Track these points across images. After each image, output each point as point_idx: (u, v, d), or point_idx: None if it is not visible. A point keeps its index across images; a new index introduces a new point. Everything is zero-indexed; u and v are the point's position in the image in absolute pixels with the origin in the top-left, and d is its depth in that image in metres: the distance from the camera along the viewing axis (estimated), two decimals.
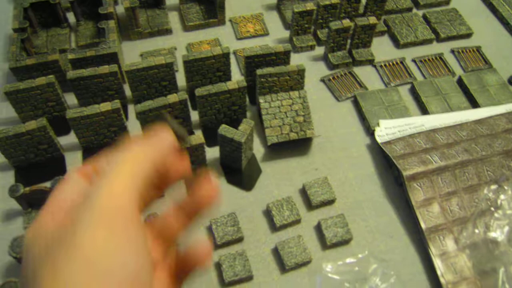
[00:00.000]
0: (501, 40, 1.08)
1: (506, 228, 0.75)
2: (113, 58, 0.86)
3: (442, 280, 0.72)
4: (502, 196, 0.79)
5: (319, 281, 0.66)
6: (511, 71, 1.01)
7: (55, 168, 0.82)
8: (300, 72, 0.84)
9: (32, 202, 0.76)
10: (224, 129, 0.75)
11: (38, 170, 0.81)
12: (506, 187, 0.80)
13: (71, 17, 1.02)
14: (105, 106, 0.77)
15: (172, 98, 0.78)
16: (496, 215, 0.77)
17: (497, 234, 0.75)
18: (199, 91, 0.80)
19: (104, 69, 0.82)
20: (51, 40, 0.98)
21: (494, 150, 0.84)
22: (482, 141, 0.85)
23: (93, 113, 0.77)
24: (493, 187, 0.80)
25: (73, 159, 0.83)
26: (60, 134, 0.84)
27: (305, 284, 0.71)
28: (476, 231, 0.76)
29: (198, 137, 0.74)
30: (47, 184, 0.74)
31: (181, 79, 0.91)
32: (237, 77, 0.88)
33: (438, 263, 0.73)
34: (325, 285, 0.66)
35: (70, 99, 0.87)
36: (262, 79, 0.83)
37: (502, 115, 0.90)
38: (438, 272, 0.72)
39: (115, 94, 0.85)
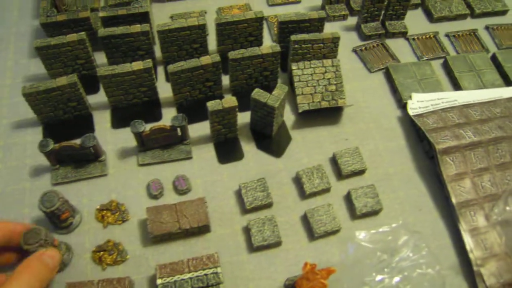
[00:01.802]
0: None
1: None
2: (144, 17, 0.84)
3: (471, 255, 0.71)
4: None
5: (351, 249, 0.65)
6: None
7: (83, 126, 0.81)
8: (335, 40, 0.82)
9: (61, 159, 0.75)
10: (258, 93, 0.73)
11: (66, 127, 0.81)
12: None
13: None
14: (137, 65, 0.76)
15: (205, 60, 0.77)
16: None
17: None
18: (232, 54, 0.78)
19: (136, 28, 0.80)
20: None
21: None
22: None
23: (124, 71, 0.76)
24: None
25: (101, 118, 0.82)
26: (89, 93, 0.83)
27: (334, 252, 0.70)
28: (508, 208, 0.75)
29: (231, 99, 0.73)
30: (77, 141, 0.73)
31: (211, 43, 0.89)
32: (268, 43, 0.86)
33: (468, 239, 0.72)
34: (356, 253, 0.65)
35: (100, 58, 0.86)
36: (296, 45, 0.81)
37: None
38: (468, 248, 0.72)
39: (145, 55, 0.84)
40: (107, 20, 0.83)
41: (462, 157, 0.78)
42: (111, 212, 0.73)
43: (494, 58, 0.95)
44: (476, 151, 0.79)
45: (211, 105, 0.72)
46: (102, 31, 0.79)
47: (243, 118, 0.82)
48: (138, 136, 0.75)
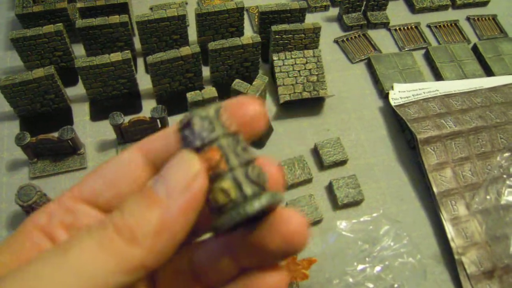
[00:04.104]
0: None
1: None
2: (123, 8, 0.83)
3: (452, 244, 0.71)
4: None
5: (332, 239, 0.65)
6: None
7: (62, 119, 0.80)
8: (316, 30, 0.82)
9: (39, 152, 0.74)
10: (238, 84, 0.73)
11: (44, 121, 0.79)
12: None
13: None
14: (115, 56, 0.75)
15: (185, 50, 0.76)
16: (508, 182, 0.76)
17: (508, 200, 0.75)
18: (212, 45, 0.77)
19: (115, 18, 0.79)
20: None
21: (509, 118, 0.83)
22: (497, 108, 0.84)
23: (102, 62, 0.75)
24: (506, 154, 0.79)
25: (80, 111, 0.81)
26: (67, 85, 0.82)
27: (315, 243, 0.70)
28: (488, 197, 0.75)
29: (211, 90, 0.72)
30: (55, 134, 0.72)
31: (191, 34, 0.88)
32: (249, 34, 0.85)
33: (449, 228, 0.73)
34: (337, 243, 0.65)
35: (78, 50, 0.85)
36: (276, 36, 0.80)
37: None
38: (449, 236, 0.72)
39: (125, 46, 0.83)
40: (85, 11, 0.82)
41: (443, 147, 0.78)
42: None
43: (475, 49, 0.95)
44: (457, 141, 0.79)
45: (191, 96, 0.71)
46: (80, 22, 0.78)
47: None
48: (117, 128, 0.74)
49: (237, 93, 0.73)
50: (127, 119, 0.73)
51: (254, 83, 0.73)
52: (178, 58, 0.76)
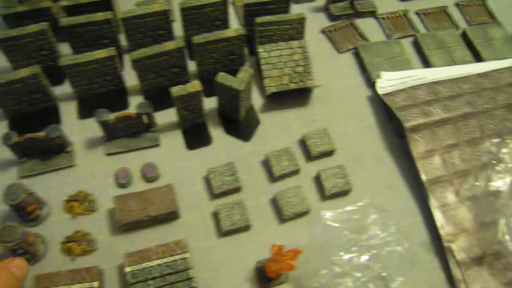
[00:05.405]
0: None
1: (508, 180, 0.74)
2: (107, 5, 0.83)
3: (441, 231, 0.71)
4: (504, 150, 0.78)
5: (318, 229, 0.65)
6: None
7: (50, 118, 0.80)
8: (300, 21, 0.81)
9: (27, 151, 0.74)
10: (222, 77, 0.73)
11: (32, 120, 0.79)
12: (508, 141, 0.79)
13: None
14: (100, 54, 0.75)
15: (169, 45, 0.76)
16: (497, 168, 0.76)
17: (498, 186, 0.74)
18: (196, 39, 0.77)
19: (99, 16, 0.79)
20: None
21: (497, 104, 0.83)
22: (486, 94, 0.83)
23: (87, 60, 0.75)
24: (495, 140, 0.79)
25: (67, 109, 0.81)
26: (54, 84, 0.82)
27: (304, 234, 0.70)
28: (477, 183, 0.75)
29: (195, 84, 0.72)
30: (42, 133, 0.72)
31: (178, 29, 0.88)
32: (235, 27, 0.85)
33: (438, 215, 0.73)
34: (324, 234, 0.65)
35: (65, 49, 0.85)
36: (261, 27, 0.80)
37: (506, 69, 0.88)
38: (438, 224, 0.72)
39: (110, 43, 0.83)
40: (69, 9, 0.81)
41: (431, 134, 0.78)
42: (79, 203, 0.72)
43: (464, 35, 0.95)
44: (445, 128, 0.79)
45: (175, 90, 0.71)
46: (64, 21, 0.78)
47: (212, 103, 0.81)
48: (104, 125, 0.74)
49: (222, 86, 0.73)
50: (113, 116, 0.73)
51: (238, 75, 0.73)
52: (162, 53, 0.76)
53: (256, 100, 0.83)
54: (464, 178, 0.76)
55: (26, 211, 0.68)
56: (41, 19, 0.82)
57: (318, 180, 0.75)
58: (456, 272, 0.69)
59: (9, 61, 0.81)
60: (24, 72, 0.73)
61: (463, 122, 0.80)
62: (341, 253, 0.64)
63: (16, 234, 0.62)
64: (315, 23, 0.95)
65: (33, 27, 0.77)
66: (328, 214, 0.66)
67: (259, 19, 0.80)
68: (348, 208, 0.67)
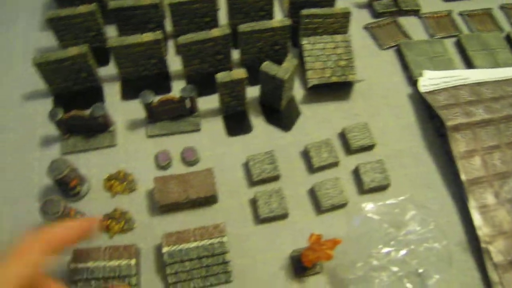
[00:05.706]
0: None
1: None
2: None
3: (479, 232, 0.71)
4: None
5: (357, 221, 0.65)
6: None
7: (93, 97, 0.81)
8: (346, 15, 0.81)
9: (71, 128, 0.76)
10: (267, 66, 0.73)
11: (76, 99, 0.81)
12: None
13: None
14: (147, 36, 0.76)
15: (215, 32, 0.77)
16: None
17: None
18: (242, 27, 0.78)
19: (146, 0, 0.80)
20: None
21: None
22: None
23: (134, 42, 0.76)
24: None
25: (111, 90, 0.83)
26: (100, 65, 0.83)
27: (340, 226, 0.70)
28: None
29: (240, 71, 0.72)
30: (87, 111, 0.74)
31: (222, 18, 0.89)
32: (279, 18, 0.85)
33: (476, 216, 0.72)
34: (363, 225, 0.65)
35: (112, 31, 0.86)
36: (306, 20, 0.80)
37: None
38: (476, 224, 0.71)
39: (156, 28, 0.84)
40: None
41: (472, 135, 0.77)
42: (119, 182, 0.73)
43: (508, 38, 0.94)
44: (487, 129, 0.78)
45: (220, 76, 0.72)
46: (113, 4, 0.80)
47: (254, 92, 0.82)
48: (147, 107, 0.75)
49: (266, 74, 0.73)
50: (156, 99, 0.74)
51: (283, 65, 0.73)
52: (208, 40, 0.76)
53: (297, 91, 0.83)
54: (505, 180, 0.75)
55: (69, 186, 0.69)
56: (91, 1, 0.84)
57: (356, 173, 0.75)
58: (493, 275, 0.68)
59: (58, 40, 0.82)
60: (73, 51, 0.75)
61: (506, 124, 0.79)
62: (380, 246, 0.64)
63: (59, 206, 0.63)
64: (359, 19, 0.94)
65: (83, 8, 0.79)
66: (369, 206, 0.66)
67: (305, 11, 0.80)
68: (389, 202, 0.67)
